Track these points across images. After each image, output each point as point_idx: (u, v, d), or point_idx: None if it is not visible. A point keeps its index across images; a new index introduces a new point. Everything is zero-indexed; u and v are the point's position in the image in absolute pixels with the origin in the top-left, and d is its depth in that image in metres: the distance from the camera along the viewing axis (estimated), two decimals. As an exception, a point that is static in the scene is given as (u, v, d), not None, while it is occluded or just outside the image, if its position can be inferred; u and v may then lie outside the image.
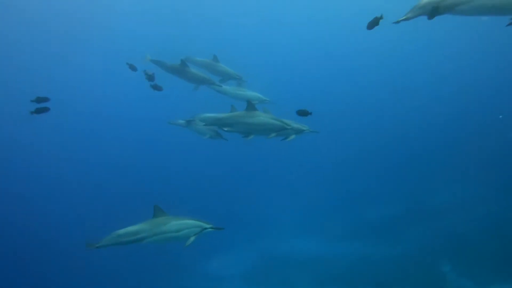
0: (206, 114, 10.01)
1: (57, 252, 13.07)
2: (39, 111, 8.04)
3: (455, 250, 11.26)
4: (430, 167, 17.19)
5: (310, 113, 7.40)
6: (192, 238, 7.17)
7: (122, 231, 7.11)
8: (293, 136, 8.08)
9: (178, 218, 7.32)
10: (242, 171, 19.65)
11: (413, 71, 27.40)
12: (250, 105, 8.00)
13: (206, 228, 7.32)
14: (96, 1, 28.93)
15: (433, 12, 5.82)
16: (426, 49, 28.54)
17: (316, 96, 25.94)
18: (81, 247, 6.89)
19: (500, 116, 18.24)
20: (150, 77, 9.67)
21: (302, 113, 7.40)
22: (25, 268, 12.80)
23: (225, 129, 8.10)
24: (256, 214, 16.09)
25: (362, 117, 23.60)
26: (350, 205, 15.90)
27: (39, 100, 8.16)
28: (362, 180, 17.64)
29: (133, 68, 10.03)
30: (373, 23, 6.48)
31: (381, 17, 6.38)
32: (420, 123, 22.12)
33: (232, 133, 8.30)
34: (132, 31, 29.29)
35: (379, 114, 23.87)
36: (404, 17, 6.23)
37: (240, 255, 13.99)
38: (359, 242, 13.19)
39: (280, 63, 31.29)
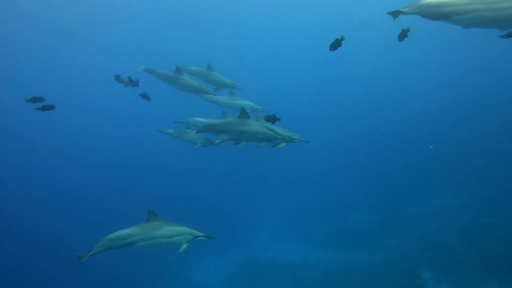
0: (196, 118, 10.21)
1: (44, 254, 13.11)
2: (45, 108, 8.11)
3: (434, 257, 11.39)
4: (410, 175, 17.52)
5: (279, 119, 7.54)
6: (184, 245, 7.14)
7: (113, 235, 7.02)
8: (283, 144, 8.11)
9: (171, 224, 7.24)
10: (227, 178, 19.73)
11: (395, 84, 27.91)
12: (243, 113, 7.96)
13: (198, 236, 7.30)
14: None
15: (432, 16, 6.09)
16: (414, 63, 29.06)
17: (301, 105, 26.32)
18: (71, 253, 6.78)
19: (431, 147, 18.73)
20: (133, 83, 9.69)
21: (270, 119, 7.54)
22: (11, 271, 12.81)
23: (217, 141, 8.08)
24: (240, 220, 16.17)
25: (346, 127, 24.00)
26: (333, 212, 16.12)
27: (34, 100, 8.15)
28: (345, 188, 17.91)
29: (120, 80, 9.86)
30: (336, 45, 6.78)
31: (342, 38, 6.68)
32: (402, 133, 22.57)
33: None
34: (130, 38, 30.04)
35: (362, 124, 24.27)
36: (401, 10, 6.40)
37: (223, 260, 14.02)
38: (340, 249, 13.32)
39: (274, 69, 31.53)
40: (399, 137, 22.03)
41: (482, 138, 19.04)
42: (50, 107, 8.12)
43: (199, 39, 31.34)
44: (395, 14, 6.39)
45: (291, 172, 19.39)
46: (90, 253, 6.80)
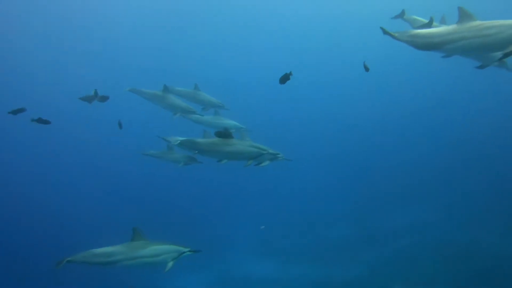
0: (177, 138, 9.81)
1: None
2: (40, 121, 8.07)
3: (407, 273, 11.41)
4: (386, 191, 17.72)
5: (230, 134, 7.79)
6: (170, 264, 7.16)
7: (97, 250, 6.90)
8: (267, 162, 8.17)
9: (156, 243, 7.19)
10: (202, 193, 19.53)
11: (371, 100, 28.38)
12: (227, 133, 7.97)
13: (184, 252, 7.35)
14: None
15: (422, 47, 6.19)
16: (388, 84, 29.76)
17: (282, 119, 26.53)
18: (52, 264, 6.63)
19: None
20: (103, 98, 9.35)
21: (221, 134, 7.77)
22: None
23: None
24: (215, 235, 15.95)
25: (319, 140, 24.22)
26: (307, 227, 16.12)
27: (14, 112, 8.10)
28: (318, 203, 17.96)
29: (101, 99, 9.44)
30: (284, 78, 6.89)
31: (290, 73, 6.80)
32: (375, 147, 22.94)
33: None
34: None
35: (335, 137, 24.58)
36: (392, 33, 6.45)
37: (198, 277, 13.76)
38: (316, 264, 13.26)
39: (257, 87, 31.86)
40: (374, 153, 22.36)
41: (456, 155, 19.52)
42: (46, 122, 8.08)
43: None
44: (386, 33, 6.48)
45: (267, 187, 19.35)
46: (68, 259, 6.67)
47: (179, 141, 8.57)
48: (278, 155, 8.29)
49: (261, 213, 17.32)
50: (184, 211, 17.67)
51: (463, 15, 5.89)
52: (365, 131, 25.01)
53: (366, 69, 7.57)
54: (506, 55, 5.66)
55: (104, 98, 9.26)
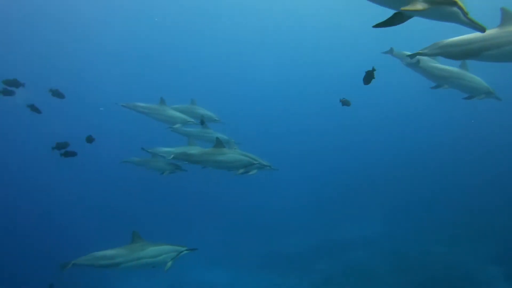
0: (163, 149, 10.17)
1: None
2: (33, 109, 8.38)
3: (359, 284, 11.50)
4: (342, 203, 17.93)
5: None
6: (170, 263, 7.47)
7: (99, 253, 7.17)
8: (255, 171, 8.33)
9: (155, 244, 7.49)
10: (159, 199, 19.07)
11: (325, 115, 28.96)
12: (219, 143, 8.22)
13: (182, 251, 7.64)
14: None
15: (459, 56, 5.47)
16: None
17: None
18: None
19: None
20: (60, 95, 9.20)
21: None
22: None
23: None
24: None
25: (282, 151, 24.30)
26: (263, 236, 15.94)
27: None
28: (277, 211, 17.88)
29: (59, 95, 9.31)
30: (369, 77, 6.45)
31: (374, 70, 6.39)
32: (331, 161, 23.29)
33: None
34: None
35: (293, 151, 24.78)
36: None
37: (151, 282, 13.31)
38: (269, 273, 13.11)
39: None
40: (330, 166, 22.66)
41: (409, 170, 20.11)
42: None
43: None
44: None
45: (221, 195, 19.09)
46: (73, 262, 6.98)
47: (172, 155, 8.69)
48: (265, 164, 8.50)
49: (217, 220, 16.99)
50: (141, 218, 17.16)
51: (508, 17, 5.26)
52: (321, 145, 25.40)
53: (346, 103, 7.73)
54: None
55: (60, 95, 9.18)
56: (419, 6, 3.44)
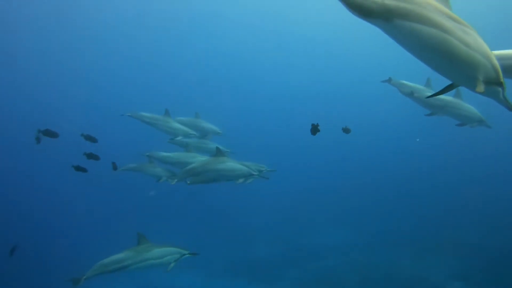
0: (161, 153, 10.47)
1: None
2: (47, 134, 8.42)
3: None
4: (315, 211, 18.09)
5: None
6: (172, 264, 7.85)
7: (107, 260, 7.46)
8: (252, 179, 8.60)
9: (160, 246, 7.87)
10: (130, 204, 18.78)
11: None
12: (219, 152, 8.41)
13: (184, 254, 8.05)
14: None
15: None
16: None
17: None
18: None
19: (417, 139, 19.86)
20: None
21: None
22: None
23: (188, 182, 8.35)
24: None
25: (255, 159, 24.36)
26: (233, 242, 15.90)
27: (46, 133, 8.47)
28: (246, 218, 17.86)
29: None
30: (315, 130, 7.31)
31: (317, 125, 7.29)
32: (306, 170, 23.49)
33: None
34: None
35: (270, 157, 24.83)
36: None
37: (119, 287, 12.92)
38: (239, 279, 13.08)
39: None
40: (305, 175, 22.85)
41: (382, 182, 20.54)
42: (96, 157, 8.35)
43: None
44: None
45: (191, 200, 18.94)
46: (85, 277, 7.20)
47: (176, 179, 8.98)
48: (262, 169, 8.96)
49: (187, 224, 16.83)
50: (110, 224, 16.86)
51: None
52: (297, 154, 25.60)
53: (347, 131, 8.58)
54: None
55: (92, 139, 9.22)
56: (481, 88, 3.41)
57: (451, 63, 3.28)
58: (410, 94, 9.37)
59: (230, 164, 8.38)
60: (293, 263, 13.86)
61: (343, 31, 31.65)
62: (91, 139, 8.66)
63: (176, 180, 8.93)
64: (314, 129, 7.20)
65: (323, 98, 33.36)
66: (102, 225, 16.25)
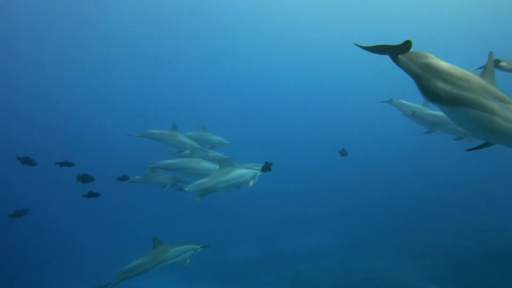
0: (165, 161, 10.81)
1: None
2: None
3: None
4: (292, 214, 18.07)
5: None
6: (188, 261, 8.26)
7: (127, 267, 7.87)
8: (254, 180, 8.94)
9: (174, 246, 8.23)
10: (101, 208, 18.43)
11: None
12: (224, 162, 8.91)
13: (197, 249, 8.45)
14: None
15: None
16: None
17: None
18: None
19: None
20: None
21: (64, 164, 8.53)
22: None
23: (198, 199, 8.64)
24: (117, 249, 14.91)
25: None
26: (211, 245, 15.68)
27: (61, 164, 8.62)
28: (224, 222, 17.71)
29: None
30: (266, 168, 7.89)
31: (271, 164, 7.84)
32: (284, 172, 23.46)
33: None
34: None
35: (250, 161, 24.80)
36: (499, 62, 5.79)
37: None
38: (214, 283, 13.01)
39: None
40: (283, 178, 22.80)
41: (360, 184, 20.68)
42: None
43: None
44: (496, 63, 5.87)
45: (168, 203, 18.72)
46: (110, 285, 7.59)
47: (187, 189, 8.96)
48: (257, 170, 9.07)
49: (163, 227, 16.52)
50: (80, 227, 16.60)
51: None
52: (274, 156, 25.55)
53: (344, 153, 8.88)
54: None
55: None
56: None
57: (496, 136, 3.87)
58: (412, 114, 9.66)
59: (237, 171, 8.77)
60: (270, 267, 13.76)
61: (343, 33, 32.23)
62: (67, 164, 8.61)
63: (201, 198, 8.93)
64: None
65: (320, 98, 33.99)
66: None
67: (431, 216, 16.37)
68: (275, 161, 9.01)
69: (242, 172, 8.82)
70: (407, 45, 3.49)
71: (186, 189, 8.70)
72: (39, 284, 13.45)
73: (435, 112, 9.41)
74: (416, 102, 10.14)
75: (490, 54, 4.09)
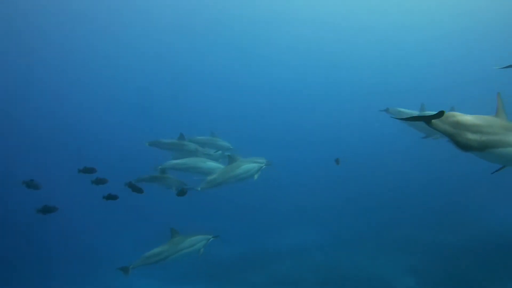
0: (172, 161, 11.33)
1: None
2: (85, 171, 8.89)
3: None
4: (276, 212, 18.14)
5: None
6: (202, 249, 9.13)
7: (148, 253, 8.85)
8: (258, 173, 9.81)
9: (190, 236, 9.09)
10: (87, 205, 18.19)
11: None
12: (231, 158, 9.70)
13: (210, 239, 9.27)
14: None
15: None
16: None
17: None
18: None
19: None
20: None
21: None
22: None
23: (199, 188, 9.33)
24: (93, 247, 14.77)
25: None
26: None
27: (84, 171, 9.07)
28: (207, 219, 17.65)
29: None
30: (182, 193, 8.67)
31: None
32: (267, 170, 23.49)
33: None
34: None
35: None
36: None
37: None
38: (200, 283, 13.00)
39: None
40: (265, 175, 22.83)
41: (342, 180, 20.88)
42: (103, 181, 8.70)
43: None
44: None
45: (150, 200, 18.57)
46: (132, 266, 8.73)
47: (200, 188, 9.64)
48: (263, 161, 9.98)
49: (143, 225, 16.43)
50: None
51: None
52: (262, 153, 25.61)
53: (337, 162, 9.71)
54: None
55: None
56: None
57: None
58: (411, 121, 9.85)
59: (244, 166, 9.56)
60: (255, 265, 13.84)
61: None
62: (33, 186, 8.78)
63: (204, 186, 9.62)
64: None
65: (313, 97, 34.66)
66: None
67: (413, 212, 16.65)
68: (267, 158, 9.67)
69: (249, 166, 9.64)
70: (440, 114, 4.20)
71: (199, 188, 9.33)
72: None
73: None
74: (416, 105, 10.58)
75: (498, 95, 4.64)
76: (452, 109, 10.28)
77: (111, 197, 8.55)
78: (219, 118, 28.92)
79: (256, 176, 9.72)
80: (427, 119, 4.38)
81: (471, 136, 4.24)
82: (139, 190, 8.85)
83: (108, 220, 16.34)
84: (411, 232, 15.07)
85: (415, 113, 10.29)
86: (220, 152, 12.65)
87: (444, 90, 27.90)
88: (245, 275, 13.09)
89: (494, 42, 30.53)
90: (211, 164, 10.99)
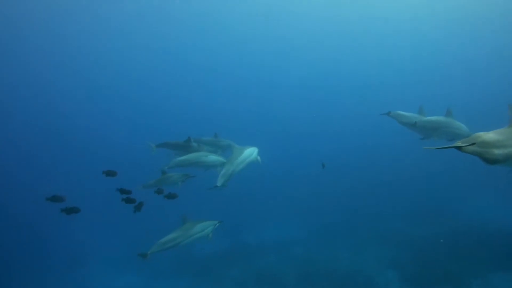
0: (176, 159, 11.40)
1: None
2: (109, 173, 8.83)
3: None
4: (257, 206, 18.16)
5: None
6: (211, 234, 9.71)
7: (163, 239, 9.34)
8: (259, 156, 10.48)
9: (199, 222, 9.63)
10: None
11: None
12: (232, 146, 10.47)
13: (216, 224, 9.84)
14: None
15: None
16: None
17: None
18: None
19: None
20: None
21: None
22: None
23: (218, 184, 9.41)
24: (71, 241, 14.54)
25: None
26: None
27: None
28: (190, 214, 17.54)
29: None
30: (139, 206, 8.56)
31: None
32: (250, 166, 23.50)
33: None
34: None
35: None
36: None
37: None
38: (182, 279, 12.98)
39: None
40: (249, 171, 22.81)
41: (325, 174, 20.97)
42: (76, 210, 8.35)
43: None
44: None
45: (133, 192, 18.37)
46: (149, 252, 9.05)
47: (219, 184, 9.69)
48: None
49: (125, 221, 16.22)
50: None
51: None
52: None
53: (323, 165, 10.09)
54: None
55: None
56: None
57: None
58: (413, 124, 10.09)
59: (246, 151, 10.19)
60: (236, 260, 13.90)
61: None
62: (58, 199, 8.50)
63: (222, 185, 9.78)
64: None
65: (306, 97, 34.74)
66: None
67: (394, 206, 16.90)
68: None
69: (250, 150, 10.34)
70: (473, 143, 4.65)
71: (218, 184, 9.49)
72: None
73: (431, 118, 10.07)
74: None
75: (510, 107, 5.06)
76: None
77: (129, 200, 8.67)
78: (219, 117, 29.25)
79: (259, 158, 10.42)
80: (461, 147, 4.72)
81: (496, 151, 4.68)
82: (127, 192, 8.76)
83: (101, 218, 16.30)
84: (393, 226, 15.28)
85: (416, 116, 10.34)
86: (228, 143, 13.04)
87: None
88: (227, 271, 13.13)
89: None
90: (213, 157, 11.31)
